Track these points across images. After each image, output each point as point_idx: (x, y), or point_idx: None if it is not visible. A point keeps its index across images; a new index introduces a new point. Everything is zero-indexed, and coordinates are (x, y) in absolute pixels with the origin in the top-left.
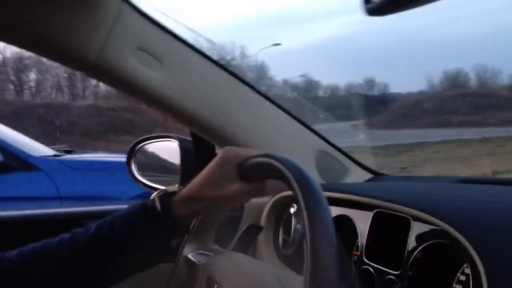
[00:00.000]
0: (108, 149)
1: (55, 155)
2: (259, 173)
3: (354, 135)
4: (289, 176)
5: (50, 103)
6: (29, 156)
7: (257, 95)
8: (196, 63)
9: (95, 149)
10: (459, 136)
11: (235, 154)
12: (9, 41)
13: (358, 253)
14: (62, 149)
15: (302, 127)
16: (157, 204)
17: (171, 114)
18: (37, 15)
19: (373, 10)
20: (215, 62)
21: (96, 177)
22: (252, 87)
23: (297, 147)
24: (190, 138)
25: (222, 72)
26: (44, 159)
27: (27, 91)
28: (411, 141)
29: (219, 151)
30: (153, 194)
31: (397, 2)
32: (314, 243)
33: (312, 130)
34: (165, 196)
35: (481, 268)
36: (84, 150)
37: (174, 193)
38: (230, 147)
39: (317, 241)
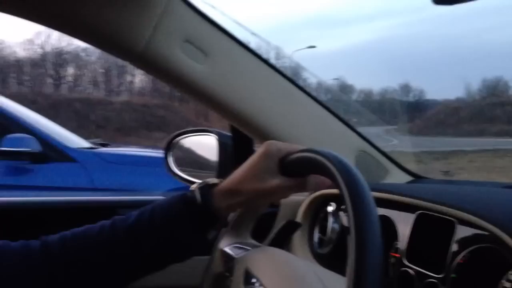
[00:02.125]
0: (140, 145)
1: (90, 148)
2: (302, 168)
3: (387, 140)
4: (334, 172)
5: (86, 98)
6: (66, 147)
7: (300, 92)
8: (241, 57)
9: (128, 144)
10: (496, 145)
11: (277, 148)
12: (62, 30)
13: (398, 255)
14: (98, 142)
15: (343, 125)
16: (197, 195)
17: (213, 107)
18: (88, 4)
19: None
20: (260, 57)
21: (129, 170)
22: (295, 83)
23: (337, 145)
24: (228, 133)
25: (266, 67)
26: (80, 150)
27: (65, 85)
28: (446, 149)
29: (261, 146)
30: (193, 185)
31: None
32: (360, 242)
33: (353, 129)
34: (205, 188)
35: None
36: (119, 144)
37: (214, 185)
38: (272, 141)
39: (363, 240)
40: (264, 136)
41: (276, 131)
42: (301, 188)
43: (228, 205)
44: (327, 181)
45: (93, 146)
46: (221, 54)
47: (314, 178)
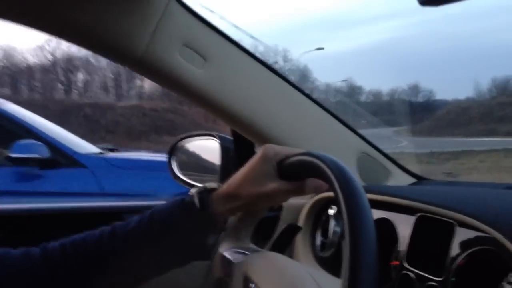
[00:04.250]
0: (150, 149)
1: (99, 153)
2: (299, 171)
3: (397, 142)
4: (330, 175)
5: (96, 103)
6: (75, 153)
7: (300, 95)
8: (240, 61)
9: (137, 149)
10: (507, 145)
11: (275, 152)
12: (59, 35)
13: (397, 262)
14: (107, 147)
15: (344, 128)
16: (196, 200)
17: (213, 111)
18: (87, 10)
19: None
20: (259, 60)
21: (139, 175)
22: (295, 86)
23: (338, 147)
24: (230, 137)
25: (265, 70)
26: (89, 156)
27: (75, 91)
28: (456, 149)
29: (259, 149)
30: (192, 190)
31: None
32: (354, 247)
33: (355, 132)
34: (204, 192)
35: None
36: (128, 149)
37: (213, 189)
38: (270, 145)
39: (357, 245)
40: (265, 140)
41: (276, 135)
42: (299, 191)
43: (227, 209)
44: (325, 185)
45: (102, 151)
46: (220, 58)
47: (312, 182)
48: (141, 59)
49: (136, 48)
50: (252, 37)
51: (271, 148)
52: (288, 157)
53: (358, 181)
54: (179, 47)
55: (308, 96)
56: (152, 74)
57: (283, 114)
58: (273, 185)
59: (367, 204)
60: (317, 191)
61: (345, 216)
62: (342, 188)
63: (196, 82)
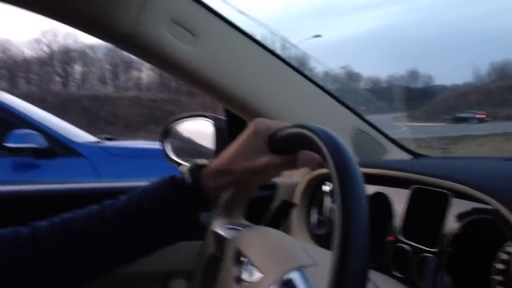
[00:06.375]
0: (148, 139)
1: (96, 142)
2: (290, 144)
3: (396, 128)
4: (321, 145)
5: (94, 95)
6: (72, 142)
7: (292, 71)
8: (230, 37)
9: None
10: (506, 129)
11: (266, 126)
12: (43, 13)
13: (392, 238)
14: (103, 137)
15: (338, 104)
16: (187, 176)
17: (204, 88)
18: None
19: None
20: (249, 36)
21: (136, 163)
22: (288, 63)
23: (333, 124)
24: (224, 117)
25: (256, 46)
26: (86, 145)
27: (73, 83)
28: (456, 134)
29: (250, 124)
30: (183, 167)
31: None
32: (346, 212)
33: (350, 109)
34: (195, 169)
35: None
36: (125, 138)
37: (204, 166)
38: (261, 119)
39: (348, 211)
40: (256, 116)
41: (269, 112)
42: (291, 165)
43: (219, 185)
44: (317, 157)
45: (98, 140)
46: (209, 34)
47: (304, 155)
48: (128, 36)
49: (122, 25)
50: (240, 12)
51: (262, 122)
52: (279, 130)
53: (350, 150)
54: (167, 23)
55: (301, 72)
56: (139, 52)
57: (276, 91)
58: (264, 159)
59: (359, 172)
60: (310, 164)
61: (336, 185)
62: (333, 156)
63: (185, 59)
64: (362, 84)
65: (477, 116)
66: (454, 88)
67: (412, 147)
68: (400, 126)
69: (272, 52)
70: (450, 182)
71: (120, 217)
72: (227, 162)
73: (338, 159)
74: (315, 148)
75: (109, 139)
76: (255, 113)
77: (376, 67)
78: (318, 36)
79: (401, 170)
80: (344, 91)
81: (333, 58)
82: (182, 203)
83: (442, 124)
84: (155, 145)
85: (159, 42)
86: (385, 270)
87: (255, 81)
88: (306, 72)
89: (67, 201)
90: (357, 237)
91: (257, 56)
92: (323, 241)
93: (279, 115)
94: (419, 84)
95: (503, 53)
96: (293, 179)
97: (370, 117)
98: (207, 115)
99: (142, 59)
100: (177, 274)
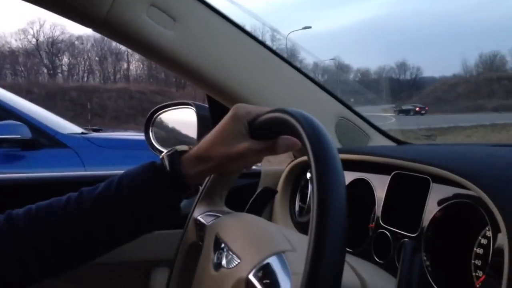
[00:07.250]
0: (138, 131)
1: (82, 133)
2: (270, 129)
3: (385, 119)
4: (300, 130)
5: (81, 86)
6: (57, 133)
7: (275, 57)
8: (211, 22)
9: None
10: (494, 120)
11: (247, 111)
12: None
13: (373, 225)
14: (89, 128)
15: (321, 91)
16: (166, 162)
17: (185, 75)
18: None
19: None
20: (231, 21)
21: (122, 154)
22: (270, 48)
23: (316, 111)
24: (206, 105)
25: (237, 32)
26: (71, 136)
27: (60, 74)
28: (444, 125)
29: (230, 109)
30: (162, 153)
31: None
32: (321, 204)
33: (333, 96)
34: (174, 155)
35: (503, 230)
36: (112, 129)
37: (183, 152)
38: (241, 104)
39: (324, 202)
40: (237, 102)
41: (251, 98)
42: (271, 150)
43: (198, 171)
44: (298, 142)
45: (84, 131)
46: (190, 19)
47: (284, 140)
48: (106, 20)
49: (99, 8)
50: (231, 1)
51: (242, 107)
52: (259, 115)
53: (329, 135)
54: (146, 7)
55: (283, 58)
56: (118, 36)
57: (258, 77)
58: (244, 144)
59: (337, 155)
60: (290, 149)
61: (313, 169)
62: (311, 140)
63: (165, 44)
64: (351, 76)
65: (417, 109)
66: (443, 80)
67: (399, 137)
68: (390, 117)
69: (254, 37)
70: (431, 167)
71: (99, 203)
72: (206, 148)
73: (316, 144)
74: (294, 133)
75: (96, 130)
76: (237, 100)
77: (366, 59)
78: (308, 27)
79: (382, 156)
80: (334, 82)
81: (323, 49)
82: (160, 189)
83: (431, 115)
84: (141, 135)
85: (138, 27)
86: (366, 256)
87: (236, 67)
88: (297, 64)
89: (46, 189)
90: (333, 223)
91: (239, 42)
92: (305, 228)
93: (261, 102)
94: (408, 76)
95: (491, 44)
96: (276, 167)
97: (359, 108)
98: (190, 103)
99: (122, 44)
100: (160, 262)
